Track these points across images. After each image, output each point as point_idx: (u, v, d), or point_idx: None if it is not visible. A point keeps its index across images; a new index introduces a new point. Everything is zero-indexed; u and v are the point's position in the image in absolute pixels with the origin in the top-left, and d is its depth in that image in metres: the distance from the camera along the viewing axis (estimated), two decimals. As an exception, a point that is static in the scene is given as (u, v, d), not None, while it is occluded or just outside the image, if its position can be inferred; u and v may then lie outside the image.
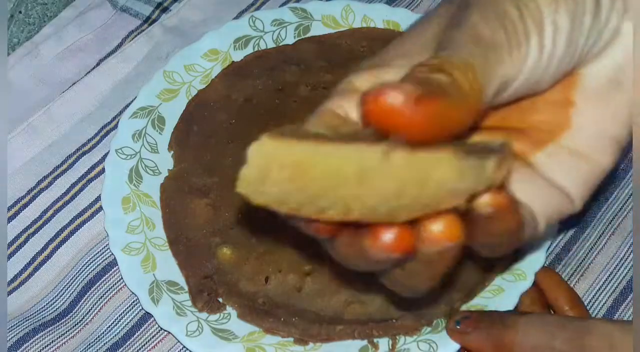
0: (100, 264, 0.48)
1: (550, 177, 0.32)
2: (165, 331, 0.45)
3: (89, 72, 0.55)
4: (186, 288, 0.45)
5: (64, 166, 0.51)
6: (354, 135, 0.26)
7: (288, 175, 0.25)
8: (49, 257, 0.48)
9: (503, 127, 0.33)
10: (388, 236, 0.26)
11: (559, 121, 0.33)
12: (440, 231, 0.26)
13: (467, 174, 0.25)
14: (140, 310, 0.47)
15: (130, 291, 0.46)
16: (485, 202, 0.27)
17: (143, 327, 0.46)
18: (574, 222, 0.48)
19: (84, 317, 0.46)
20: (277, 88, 0.52)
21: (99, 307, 0.47)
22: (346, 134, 0.27)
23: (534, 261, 0.45)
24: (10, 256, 0.48)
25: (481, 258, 0.30)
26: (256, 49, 0.54)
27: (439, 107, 0.25)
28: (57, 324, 0.46)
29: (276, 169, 0.25)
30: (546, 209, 0.32)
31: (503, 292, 0.44)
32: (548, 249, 0.46)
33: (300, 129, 0.27)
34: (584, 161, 0.33)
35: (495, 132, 0.33)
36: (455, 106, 0.26)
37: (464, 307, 0.44)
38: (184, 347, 0.44)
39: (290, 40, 0.54)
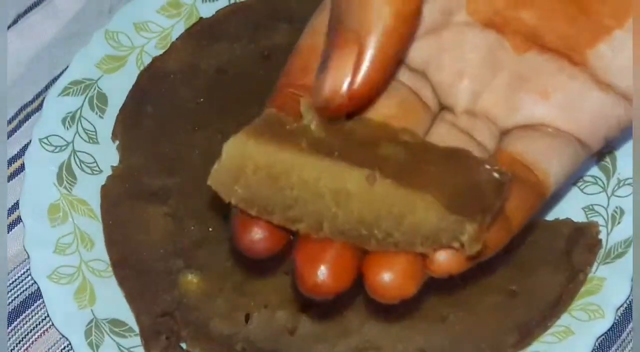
0: (18, 296, 0.48)
1: (606, 78, 0.37)
2: (108, 387, 0.45)
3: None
4: (137, 329, 0.45)
5: (-33, 162, 0.51)
6: (340, 148, 0.33)
7: (262, 178, 0.32)
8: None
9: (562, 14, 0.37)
10: (322, 275, 0.32)
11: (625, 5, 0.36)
12: (390, 282, 0.32)
13: (445, 226, 0.31)
14: (75, 359, 0.46)
15: (60, 333, 0.45)
16: (442, 262, 0.32)
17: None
18: None
19: (-1, 369, 0.45)
20: (262, 54, 0.52)
21: (18, 355, 0.47)
22: (330, 143, 0.33)
23: (615, 293, 0.45)
24: None
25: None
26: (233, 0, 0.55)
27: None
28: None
29: (251, 169, 0.32)
30: (597, 118, 0.37)
31: (573, 336, 0.44)
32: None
33: (282, 124, 0.33)
34: None
35: (554, 19, 0.37)
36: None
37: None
38: (135, 410, 0.45)
39: (279, -13, 0.55)
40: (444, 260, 0.32)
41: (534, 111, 0.37)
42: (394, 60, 0.34)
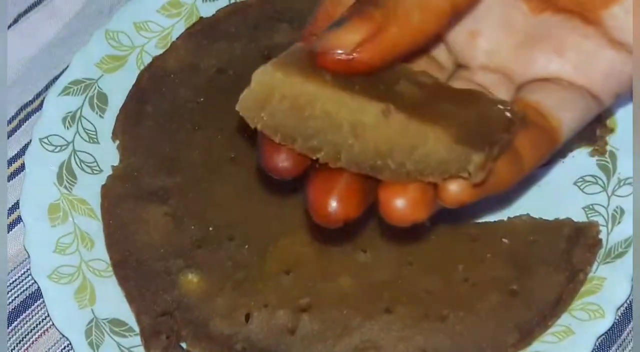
0: (19, 295, 0.48)
1: (619, 37, 0.38)
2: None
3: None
4: (137, 329, 0.45)
5: (-30, 161, 0.50)
6: (359, 84, 0.34)
7: (287, 107, 0.34)
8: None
9: None
10: (333, 204, 0.34)
11: None
12: (403, 207, 0.34)
13: (453, 157, 0.33)
14: (75, 359, 0.45)
15: (60, 333, 0.46)
16: (452, 191, 0.34)
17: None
18: None
19: (-1, 368, 0.45)
20: (262, 54, 0.52)
21: (19, 355, 0.47)
22: (352, 79, 0.34)
23: (615, 293, 0.45)
24: None
25: None
26: (233, -1, 0.54)
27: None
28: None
29: (277, 98, 0.34)
30: (610, 74, 0.39)
31: (573, 335, 0.44)
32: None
33: (308, 58, 0.35)
34: None
35: None
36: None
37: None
38: (134, 409, 0.45)
39: (279, -12, 0.55)
40: (454, 189, 0.33)
41: (548, 67, 0.39)
42: (400, 53, 0.34)
